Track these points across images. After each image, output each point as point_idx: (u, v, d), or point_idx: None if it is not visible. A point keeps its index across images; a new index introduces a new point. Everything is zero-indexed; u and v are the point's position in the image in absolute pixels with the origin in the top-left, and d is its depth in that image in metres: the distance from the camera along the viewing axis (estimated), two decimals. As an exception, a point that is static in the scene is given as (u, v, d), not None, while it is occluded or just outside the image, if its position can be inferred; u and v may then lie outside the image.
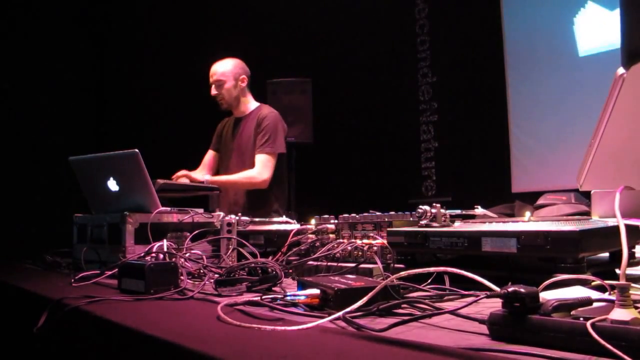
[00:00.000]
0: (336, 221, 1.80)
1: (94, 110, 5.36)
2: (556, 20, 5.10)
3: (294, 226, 2.05)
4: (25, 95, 4.89)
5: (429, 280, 1.30)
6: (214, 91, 3.54)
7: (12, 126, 4.77)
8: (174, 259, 1.60)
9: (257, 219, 2.35)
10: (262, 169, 3.40)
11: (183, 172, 3.32)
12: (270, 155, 3.43)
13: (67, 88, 5.20)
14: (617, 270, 0.87)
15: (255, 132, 3.48)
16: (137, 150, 2.10)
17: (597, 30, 4.74)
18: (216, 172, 3.68)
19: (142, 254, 1.67)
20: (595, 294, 0.89)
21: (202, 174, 3.53)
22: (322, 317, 0.98)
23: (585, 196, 1.48)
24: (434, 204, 1.53)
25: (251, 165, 3.45)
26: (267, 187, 3.43)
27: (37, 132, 4.90)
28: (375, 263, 1.52)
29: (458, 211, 1.66)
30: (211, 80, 3.55)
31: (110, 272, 1.75)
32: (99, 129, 5.23)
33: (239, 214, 2.15)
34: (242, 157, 3.54)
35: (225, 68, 3.55)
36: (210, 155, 3.77)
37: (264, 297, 1.21)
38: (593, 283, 1.05)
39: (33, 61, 4.96)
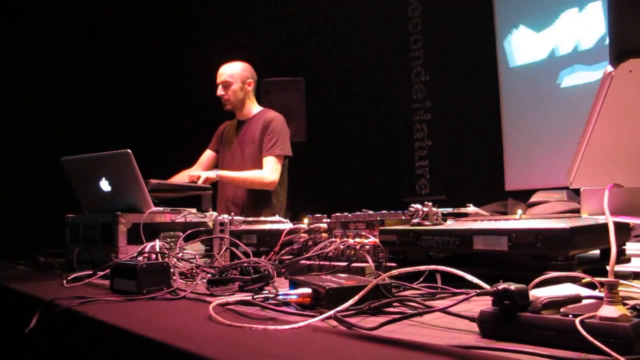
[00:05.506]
0: (329, 220, 1.80)
1: (86, 110, 5.33)
2: (549, 18, 5.11)
3: (287, 225, 2.05)
4: (16, 94, 4.86)
5: (421, 279, 1.31)
6: (220, 92, 3.56)
7: (2, 126, 4.75)
8: (166, 259, 1.60)
9: (250, 219, 2.35)
10: (271, 170, 3.44)
11: (194, 172, 3.35)
12: (278, 157, 3.47)
13: (59, 87, 5.17)
14: (608, 267, 0.87)
15: (261, 135, 3.50)
16: (129, 150, 2.09)
17: (592, 27, 4.76)
18: None
19: (135, 254, 1.67)
20: (585, 291, 0.90)
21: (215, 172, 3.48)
22: (314, 316, 0.98)
23: (578, 194, 1.49)
24: (426, 203, 1.53)
25: (253, 166, 3.48)
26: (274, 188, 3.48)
27: (28, 132, 4.87)
28: (368, 262, 1.53)
29: (450, 209, 1.66)
30: (218, 80, 3.57)
31: (102, 273, 1.74)
32: (91, 128, 5.20)
33: (232, 214, 2.14)
34: (244, 159, 3.56)
35: (234, 70, 3.58)
36: (207, 154, 3.78)
37: (255, 296, 1.21)
38: (583, 280, 1.05)
39: (25, 60, 4.94)
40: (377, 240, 1.55)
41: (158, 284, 1.44)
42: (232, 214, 2.30)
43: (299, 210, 2.45)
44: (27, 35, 5.01)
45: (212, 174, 3.29)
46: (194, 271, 1.70)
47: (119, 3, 5.40)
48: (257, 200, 3.50)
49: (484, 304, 0.90)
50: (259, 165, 3.46)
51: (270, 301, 1.18)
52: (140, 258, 1.60)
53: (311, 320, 0.96)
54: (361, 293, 1.02)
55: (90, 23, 5.45)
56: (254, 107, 3.68)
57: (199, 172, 3.36)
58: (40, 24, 5.10)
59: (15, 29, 4.96)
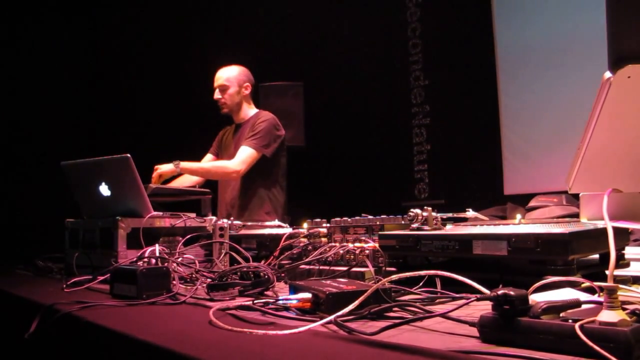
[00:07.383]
0: (328, 225, 1.80)
1: (86, 114, 5.33)
2: (547, 23, 5.13)
3: (286, 230, 2.05)
4: (16, 99, 4.86)
5: (421, 284, 1.31)
6: (217, 95, 3.56)
7: (2, 131, 4.75)
8: (166, 264, 1.60)
9: (249, 223, 2.35)
10: (238, 160, 3.36)
11: (156, 168, 3.29)
12: (253, 149, 3.39)
13: (59, 92, 5.17)
14: (607, 272, 0.87)
15: (249, 134, 3.49)
16: (128, 154, 2.09)
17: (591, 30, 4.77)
18: None
19: (135, 259, 1.67)
20: (584, 296, 0.90)
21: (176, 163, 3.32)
22: (314, 321, 0.98)
23: (577, 198, 1.49)
24: (425, 207, 1.53)
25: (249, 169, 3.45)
26: (252, 183, 3.44)
27: (28, 137, 4.87)
28: (367, 267, 1.53)
29: (449, 214, 1.67)
30: (215, 84, 3.57)
31: (102, 277, 1.74)
32: (91, 133, 5.20)
33: (232, 218, 2.15)
34: None
35: (231, 74, 3.59)
36: (208, 157, 3.78)
37: (256, 301, 1.21)
38: (583, 285, 1.05)
39: (25, 66, 4.94)
40: (377, 245, 1.55)
41: (158, 289, 1.44)
42: (232, 218, 2.30)
43: (298, 215, 2.45)
44: (27, 37, 5.01)
45: (171, 165, 3.22)
46: (193, 276, 1.70)
47: (117, 9, 5.41)
48: (250, 201, 3.48)
49: (484, 308, 0.91)
50: (254, 168, 3.43)
51: (271, 306, 1.18)
52: (140, 263, 1.60)
53: (311, 325, 0.96)
54: (361, 298, 1.02)
55: (90, 28, 5.45)
56: (250, 111, 3.67)
57: (159, 165, 3.28)
58: (40, 28, 5.10)
59: (16, 31, 4.97)
